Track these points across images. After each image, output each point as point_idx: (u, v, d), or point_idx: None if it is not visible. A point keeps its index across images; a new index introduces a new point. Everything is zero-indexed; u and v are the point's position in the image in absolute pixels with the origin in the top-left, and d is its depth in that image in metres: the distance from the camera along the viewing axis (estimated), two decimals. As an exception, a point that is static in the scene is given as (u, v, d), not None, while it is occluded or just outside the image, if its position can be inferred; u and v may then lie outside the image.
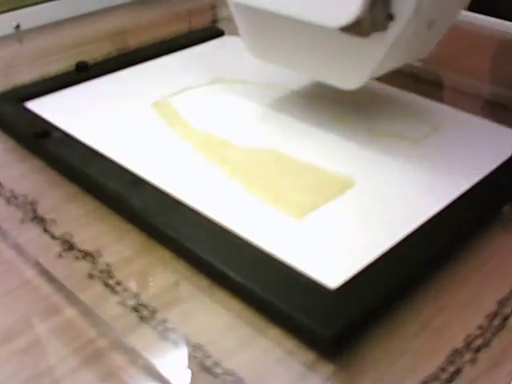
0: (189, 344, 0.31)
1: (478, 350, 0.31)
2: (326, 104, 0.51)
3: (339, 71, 0.44)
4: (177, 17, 0.71)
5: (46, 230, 0.39)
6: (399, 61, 0.46)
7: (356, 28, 0.38)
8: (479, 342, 0.31)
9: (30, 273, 0.36)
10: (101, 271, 0.36)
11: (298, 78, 0.54)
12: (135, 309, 0.33)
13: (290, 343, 0.31)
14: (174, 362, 0.30)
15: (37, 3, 0.70)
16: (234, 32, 0.66)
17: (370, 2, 0.37)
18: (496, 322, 0.32)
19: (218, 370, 0.30)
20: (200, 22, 0.69)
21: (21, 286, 0.35)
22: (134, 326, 0.32)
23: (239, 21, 0.49)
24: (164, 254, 0.37)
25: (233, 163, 0.43)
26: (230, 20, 0.71)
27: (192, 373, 0.30)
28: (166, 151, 0.45)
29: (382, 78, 0.55)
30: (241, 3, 0.45)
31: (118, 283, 0.35)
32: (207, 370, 0.30)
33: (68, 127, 0.47)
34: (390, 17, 0.39)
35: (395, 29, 0.39)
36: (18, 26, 0.67)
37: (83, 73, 0.56)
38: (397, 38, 0.40)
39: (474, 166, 0.42)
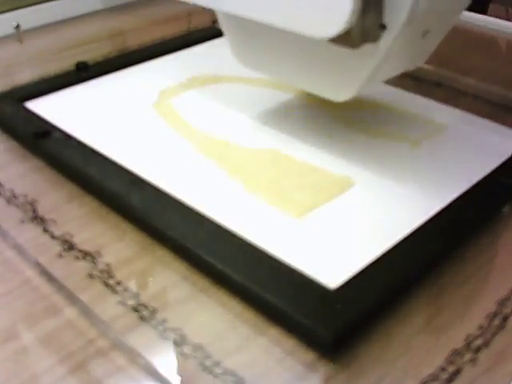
0: (189, 344, 0.31)
1: (477, 349, 0.31)
2: (326, 104, 0.51)
3: (329, 83, 0.43)
4: (176, 17, 0.71)
5: (46, 230, 0.39)
6: (393, 71, 0.44)
7: (346, 39, 0.36)
8: (479, 341, 0.31)
9: (30, 273, 0.36)
10: (101, 271, 0.36)
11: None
12: (135, 309, 0.33)
13: (290, 343, 0.31)
14: (173, 362, 0.30)
15: (37, 3, 0.70)
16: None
17: (359, 12, 0.34)
18: (496, 322, 0.32)
19: (218, 370, 0.30)
20: (200, 22, 0.69)
21: (21, 286, 0.35)
22: (133, 325, 0.32)
23: (227, 29, 0.48)
24: (164, 254, 0.37)
25: (233, 163, 0.43)
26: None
27: (192, 373, 0.30)
28: (166, 151, 0.45)
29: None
30: (228, 13, 0.44)
31: (118, 283, 0.35)
32: (207, 369, 0.30)
33: (68, 127, 0.47)
34: (382, 27, 0.36)
35: (387, 39, 0.37)
36: (17, 26, 0.67)
37: (83, 73, 0.56)
38: (389, 48, 0.38)
39: (474, 166, 0.42)
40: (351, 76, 0.41)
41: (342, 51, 0.38)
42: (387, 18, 0.36)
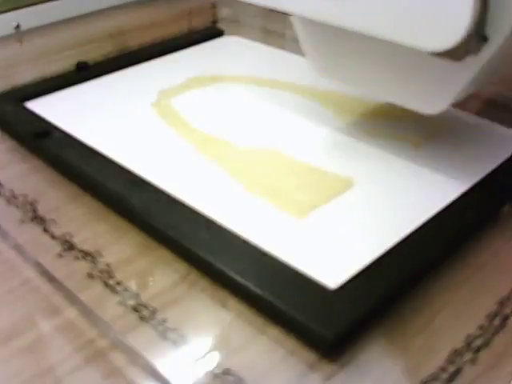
0: (189, 344, 0.31)
1: (478, 350, 0.31)
2: (326, 105, 0.51)
3: (420, 95, 0.41)
4: (177, 17, 0.71)
5: (46, 230, 0.39)
6: (480, 85, 0.42)
7: (449, 51, 0.33)
8: (479, 342, 0.31)
9: (30, 273, 0.36)
10: (101, 271, 0.36)
11: (297, 77, 0.54)
12: (135, 309, 0.33)
13: (291, 343, 0.31)
14: (173, 362, 0.30)
15: (37, 3, 0.70)
16: (234, 32, 0.66)
17: (477, 22, 0.32)
18: (496, 322, 0.32)
19: (218, 370, 0.30)
20: (200, 22, 0.69)
21: (21, 286, 0.35)
22: (133, 325, 0.32)
23: (305, 38, 0.45)
24: (164, 254, 0.37)
25: (233, 163, 0.43)
26: (230, 20, 0.71)
27: (192, 373, 0.30)
28: (166, 151, 0.45)
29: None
30: (315, 21, 0.40)
31: (118, 283, 0.35)
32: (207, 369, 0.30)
33: (68, 127, 0.47)
34: (484, 39, 0.34)
35: (488, 51, 0.35)
36: (18, 26, 0.67)
37: (83, 73, 0.56)
38: (488, 60, 0.36)
39: (474, 166, 0.42)
40: (445, 88, 0.39)
41: (438, 63, 0.35)
42: (490, 30, 0.34)
